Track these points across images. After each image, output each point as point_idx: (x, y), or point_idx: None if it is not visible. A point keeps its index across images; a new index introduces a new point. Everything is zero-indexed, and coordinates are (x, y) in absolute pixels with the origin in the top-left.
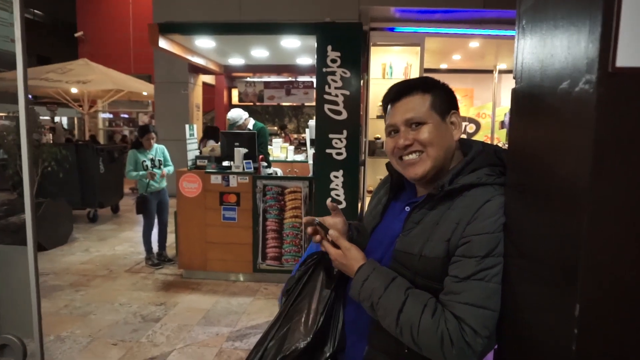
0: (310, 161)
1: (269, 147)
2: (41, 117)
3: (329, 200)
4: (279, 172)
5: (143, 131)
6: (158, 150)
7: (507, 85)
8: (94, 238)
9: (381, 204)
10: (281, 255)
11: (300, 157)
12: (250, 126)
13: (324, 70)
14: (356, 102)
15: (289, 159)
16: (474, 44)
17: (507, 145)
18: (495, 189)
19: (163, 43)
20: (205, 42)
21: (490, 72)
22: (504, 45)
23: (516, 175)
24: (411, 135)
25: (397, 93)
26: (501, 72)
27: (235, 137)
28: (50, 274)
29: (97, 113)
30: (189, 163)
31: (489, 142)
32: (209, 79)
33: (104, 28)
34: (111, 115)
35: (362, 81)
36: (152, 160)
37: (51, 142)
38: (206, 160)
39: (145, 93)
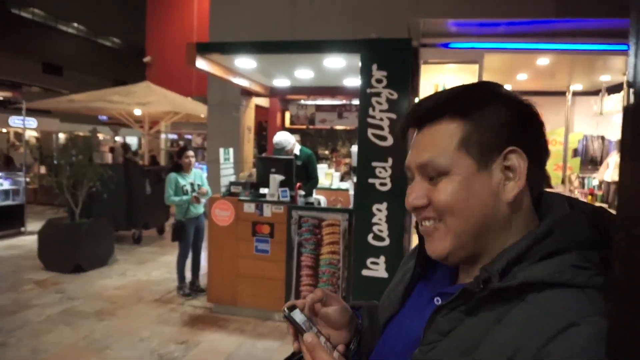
0: (352, 191)
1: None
2: (111, 138)
3: (317, 290)
4: (323, 202)
5: (181, 151)
6: (197, 174)
7: (582, 108)
8: (133, 261)
9: (404, 282)
10: None
11: (346, 185)
12: (297, 151)
13: (368, 91)
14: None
15: (333, 187)
16: (543, 60)
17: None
18: (590, 298)
19: (201, 63)
20: (246, 62)
21: (563, 93)
22: (580, 62)
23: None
24: (425, 192)
25: (419, 115)
26: (576, 93)
27: (272, 163)
28: (81, 298)
29: (158, 134)
30: (223, 189)
31: (560, 172)
32: (263, 101)
33: (169, 52)
34: (176, 136)
35: (410, 104)
36: (191, 184)
37: (109, 162)
38: (240, 187)
39: (202, 115)
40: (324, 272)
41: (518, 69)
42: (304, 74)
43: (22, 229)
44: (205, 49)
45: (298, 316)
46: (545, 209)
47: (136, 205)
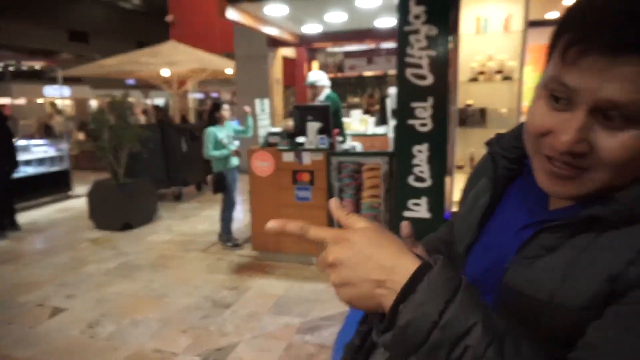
0: (391, 134)
1: (345, 119)
2: (138, 101)
3: (404, 223)
4: (359, 148)
5: (217, 106)
6: (229, 126)
7: None
8: (177, 216)
9: (478, 208)
10: None
11: (382, 130)
12: (321, 97)
13: (406, 29)
14: (444, 64)
15: (369, 133)
16: None
17: None
18: None
19: (232, 13)
20: (276, 9)
21: None
22: None
23: None
24: (590, 136)
25: (621, 33)
26: None
27: (308, 111)
28: (134, 253)
29: (186, 93)
30: (261, 140)
31: None
32: (289, 52)
33: (191, 9)
34: (203, 95)
35: (451, 39)
36: (227, 136)
37: (143, 123)
38: (279, 137)
39: (228, 71)
40: (366, 216)
41: None
42: (337, 17)
43: (70, 192)
44: None
45: None
46: None
47: (174, 163)
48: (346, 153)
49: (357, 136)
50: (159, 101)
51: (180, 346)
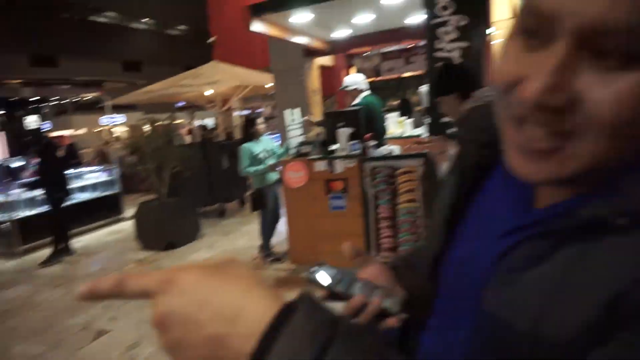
0: (425, 134)
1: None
2: (189, 122)
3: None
4: (396, 151)
5: (251, 122)
6: (265, 141)
7: None
8: (220, 233)
9: (444, 208)
10: (397, 246)
11: (419, 131)
12: (358, 99)
13: (433, 22)
14: (478, 55)
15: (406, 135)
16: None
17: None
18: None
19: (257, 26)
20: (301, 17)
21: None
22: None
23: None
24: (575, 83)
25: None
26: None
27: (339, 117)
28: None
29: (230, 111)
30: (292, 151)
31: None
32: (327, 60)
33: (231, 28)
34: (249, 111)
35: (486, 30)
36: (265, 150)
37: (188, 143)
38: (310, 146)
39: (267, 85)
40: (404, 222)
41: None
42: (363, 18)
43: (121, 215)
44: (258, 10)
45: (329, 272)
46: None
47: (216, 180)
48: (380, 158)
49: (394, 139)
50: (208, 121)
51: None
